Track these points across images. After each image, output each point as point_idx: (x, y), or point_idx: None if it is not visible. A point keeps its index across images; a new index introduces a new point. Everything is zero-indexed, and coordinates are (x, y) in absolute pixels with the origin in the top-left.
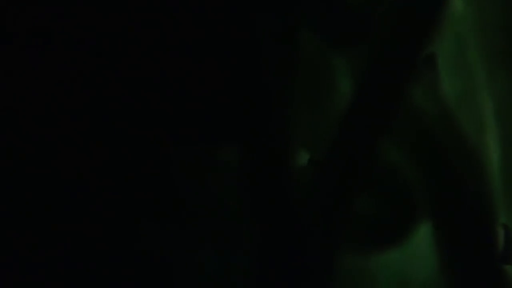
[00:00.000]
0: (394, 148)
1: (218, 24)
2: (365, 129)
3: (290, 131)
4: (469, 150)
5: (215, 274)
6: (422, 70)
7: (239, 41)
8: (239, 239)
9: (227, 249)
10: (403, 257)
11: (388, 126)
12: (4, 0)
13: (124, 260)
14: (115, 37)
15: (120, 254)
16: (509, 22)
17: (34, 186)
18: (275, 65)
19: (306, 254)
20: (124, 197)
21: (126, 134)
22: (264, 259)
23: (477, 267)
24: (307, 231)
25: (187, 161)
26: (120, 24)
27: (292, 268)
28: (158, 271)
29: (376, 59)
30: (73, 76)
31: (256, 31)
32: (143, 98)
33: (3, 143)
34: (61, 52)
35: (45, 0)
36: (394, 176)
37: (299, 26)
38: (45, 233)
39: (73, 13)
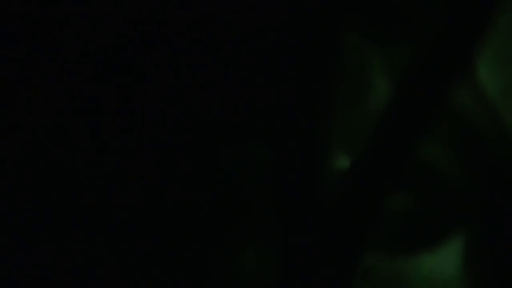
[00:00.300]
0: (436, 147)
1: (259, 24)
2: (403, 129)
3: (326, 130)
4: None
5: (244, 273)
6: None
7: (278, 42)
8: (269, 237)
9: (257, 248)
10: (433, 256)
11: (429, 126)
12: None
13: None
14: (168, 37)
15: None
16: None
17: (95, 189)
18: (315, 65)
19: (335, 254)
20: (168, 198)
21: (172, 135)
22: (293, 258)
23: None
24: (338, 231)
25: (224, 160)
26: (171, 23)
27: (321, 267)
28: (197, 272)
29: (422, 57)
30: (130, 76)
31: (297, 31)
32: (186, 99)
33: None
34: (109, 51)
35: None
36: (435, 177)
37: (339, 25)
38: (100, 236)
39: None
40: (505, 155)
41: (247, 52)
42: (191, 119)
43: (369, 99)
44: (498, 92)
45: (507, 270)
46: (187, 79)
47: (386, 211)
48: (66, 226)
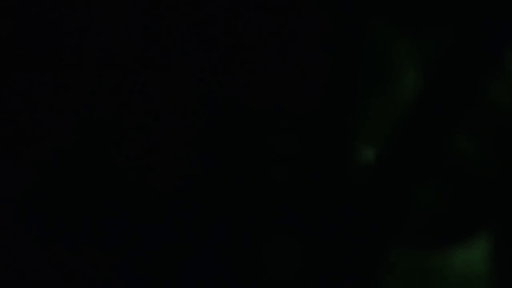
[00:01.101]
0: (467, 139)
1: (288, 12)
2: (432, 121)
3: (353, 122)
4: None
5: (270, 265)
6: (501, 62)
7: (306, 31)
8: (296, 230)
9: (283, 240)
10: (464, 250)
11: (459, 117)
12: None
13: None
14: (198, 28)
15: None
16: None
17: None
18: (343, 55)
19: (362, 247)
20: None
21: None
22: (319, 251)
23: None
24: (364, 224)
25: (249, 153)
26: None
27: (347, 261)
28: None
29: (452, 48)
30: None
31: (325, 20)
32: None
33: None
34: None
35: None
36: (466, 170)
37: (368, 14)
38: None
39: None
40: None
41: (273, 43)
42: (222, 112)
43: (397, 90)
44: None
45: None
46: (216, 71)
47: (416, 205)
48: (103, 223)
